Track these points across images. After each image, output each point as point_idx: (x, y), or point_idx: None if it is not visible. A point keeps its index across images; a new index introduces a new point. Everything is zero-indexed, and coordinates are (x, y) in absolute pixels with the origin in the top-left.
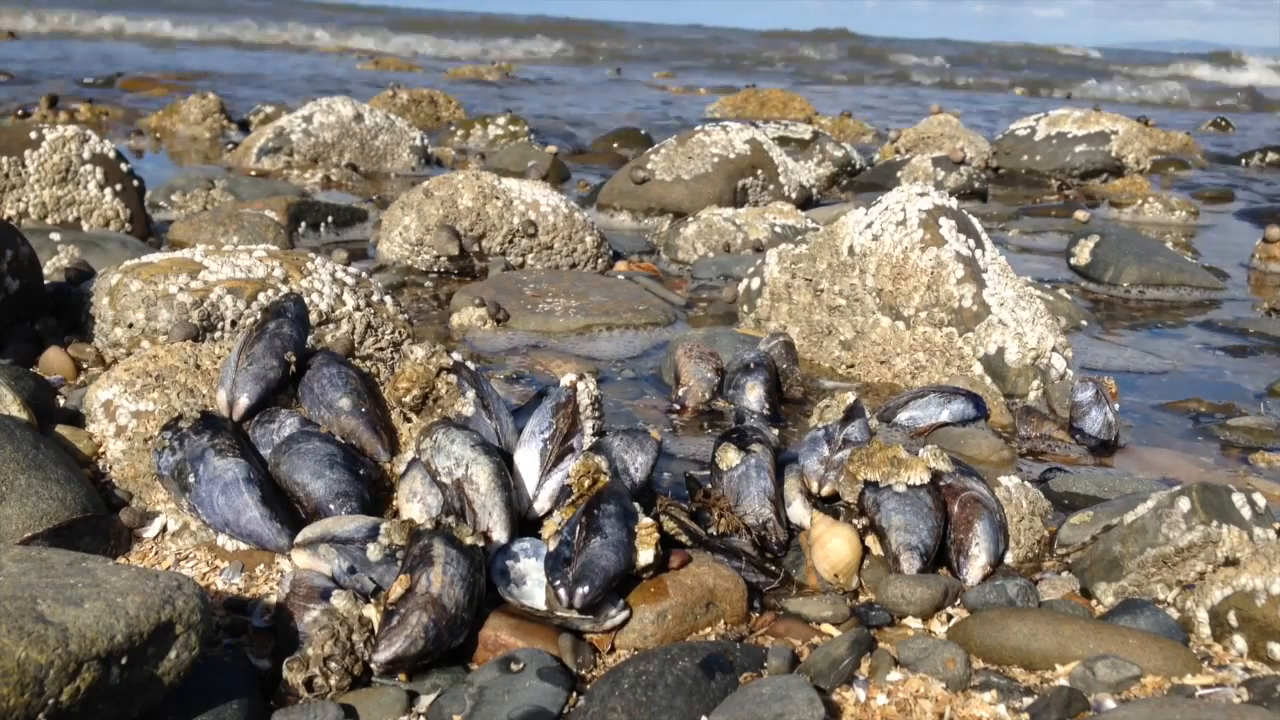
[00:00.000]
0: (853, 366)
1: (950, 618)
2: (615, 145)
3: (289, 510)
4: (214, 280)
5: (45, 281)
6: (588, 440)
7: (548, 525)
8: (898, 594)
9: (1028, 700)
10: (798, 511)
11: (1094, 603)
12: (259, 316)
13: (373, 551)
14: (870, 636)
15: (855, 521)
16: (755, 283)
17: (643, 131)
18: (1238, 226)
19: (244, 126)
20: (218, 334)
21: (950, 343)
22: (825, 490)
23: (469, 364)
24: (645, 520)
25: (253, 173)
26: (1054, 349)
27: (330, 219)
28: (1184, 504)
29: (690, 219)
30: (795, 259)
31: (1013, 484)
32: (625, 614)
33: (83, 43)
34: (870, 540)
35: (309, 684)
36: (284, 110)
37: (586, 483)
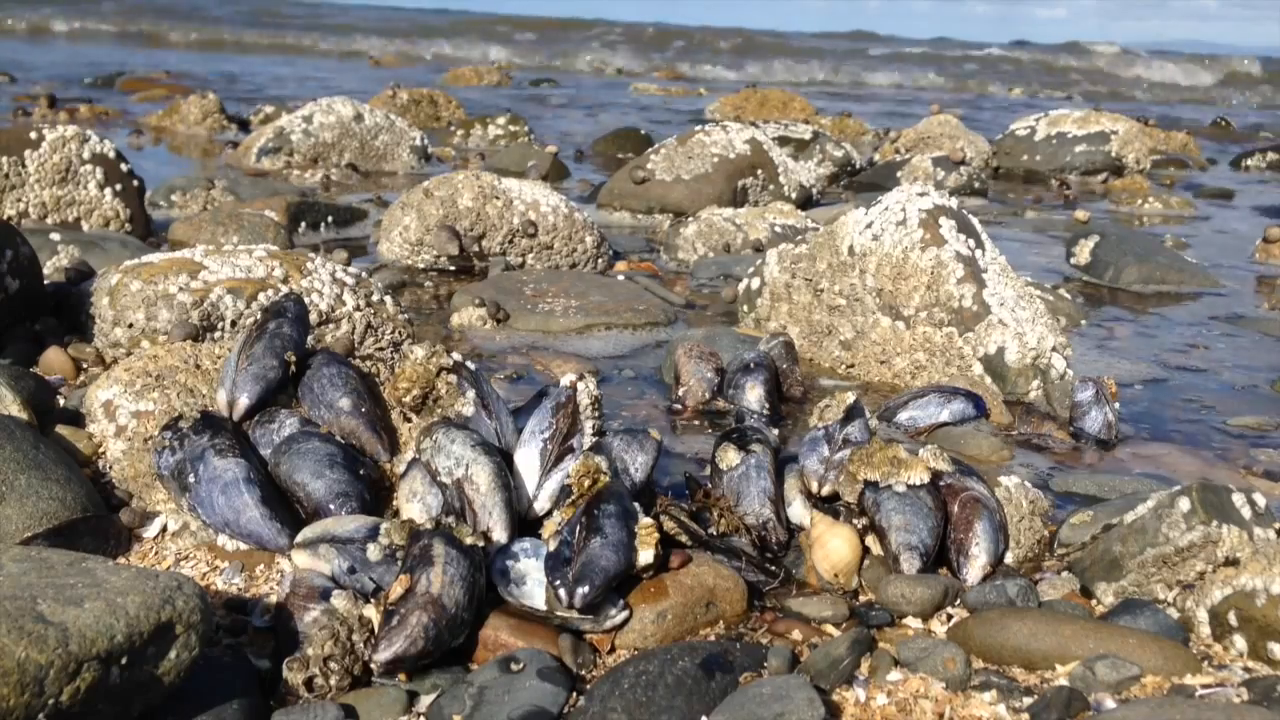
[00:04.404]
0: (853, 366)
1: (950, 618)
2: (615, 145)
3: (289, 510)
4: (214, 280)
5: (45, 281)
6: (588, 440)
7: (548, 525)
8: (898, 594)
9: (1028, 700)
10: (798, 511)
11: (1094, 603)
12: (259, 316)
13: (373, 551)
14: (870, 636)
15: (855, 521)
16: (755, 283)
17: (643, 131)
18: (1238, 226)
19: (244, 126)
20: (218, 334)
21: (950, 343)
22: (825, 490)
23: (469, 364)
24: (645, 520)
25: (254, 173)
26: (1054, 349)
27: (330, 219)
28: (1184, 504)
29: (690, 219)
30: (795, 259)
31: (1013, 484)
32: (625, 614)
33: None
34: (870, 540)
35: (309, 684)
36: (284, 110)
37: (586, 483)
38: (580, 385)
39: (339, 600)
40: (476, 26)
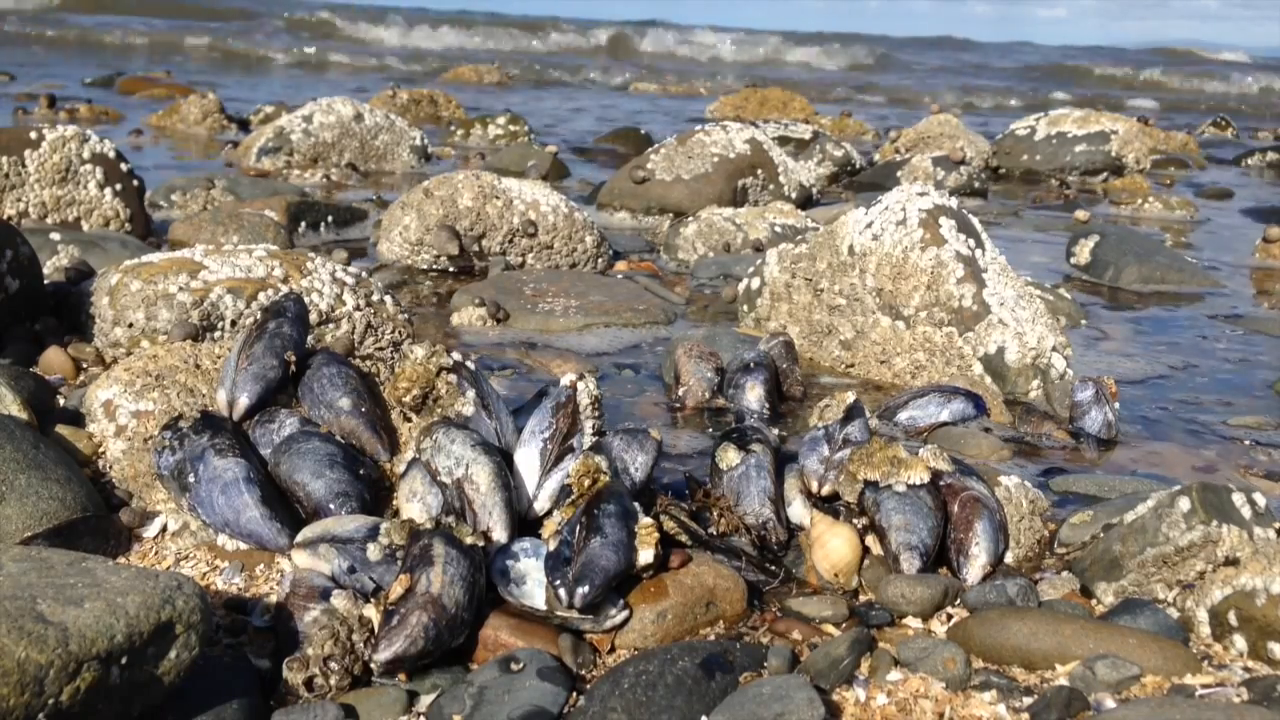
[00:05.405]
0: (853, 366)
1: (950, 617)
2: (615, 145)
3: (289, 510)
4: (214, 280)
5: (45, 281)
6: (588, 440)
7: (548, 525)
8: (898, 594)
9: (1028, 700)
10: (798, 511)
11: (1094, 602)
12: (259, 316)
13: (373, 551)
14: (870, 636)
15: (855, 521)
16: (755, 282)
17: (643, 131)
18: (1238, 226)
19: (244, 126)
20: (218, 334)
21: (950, 342)
22: (825, 490)
23: (469, 364)
24: (645, 520)
25: (254, 173)
26: (1054, 348)
27: (330, 219)
28: (1184, 503)
29: (690, 219)
30: (795, 259)
31: (1013, 484)
32: (625, 614)
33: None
34: (870, 540)
35: (309, 684)
36: (284, 110)
37: (586, 482)
38: (580, 385)
39: (339, 600)
40: (478, 25)
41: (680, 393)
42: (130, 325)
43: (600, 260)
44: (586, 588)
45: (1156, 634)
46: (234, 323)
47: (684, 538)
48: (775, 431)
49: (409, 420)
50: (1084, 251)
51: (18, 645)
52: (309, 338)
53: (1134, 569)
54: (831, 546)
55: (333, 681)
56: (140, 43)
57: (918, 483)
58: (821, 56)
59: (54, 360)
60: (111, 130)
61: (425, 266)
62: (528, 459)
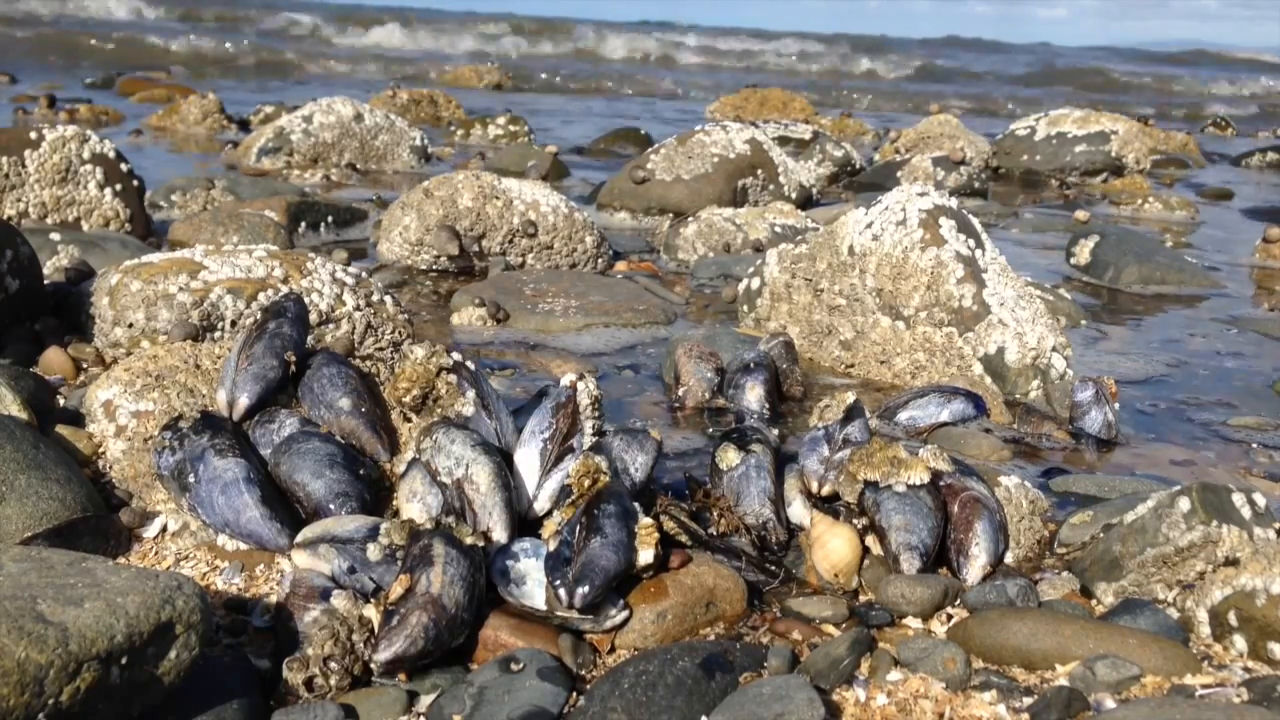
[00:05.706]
0: (853, 366)
1: (950, 618)
2: (615, 145)
3: (289, 510)
4: (214, 280)
5: (45, 281)
6: (588, 440)
7: (548, 525)
8: (898, 594)
9: (1028, 700)
10: (798, 511)
11: (1094, 602)
12: (259, 316)
13: (373, 551)
14: (870, 636)
15: (855, 521)
16: (755, 283)
17: (643, 131)
18: (1238, 226)
19: (244, 126)
20: (218, 334)
21: (950, 343)
22: (825, 490)
23: (469, 364)
24: (645, 520)
25: (254, 173)
26: (1054, 349)
27: (330, 219)
28: (1184, 504)
29: (690, 219)
30: (795, 259)
31: (1013, 484)
32: (625, 614)
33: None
34: (870, 540)
35: (309, 684)
36: (284, 110)
37: (586, 483)
38: (580, 385)
39: (339, 600)
40: (481, 25)
41: (680, 393)
42: (130, 325)
43: (600, 260)
44: (586, 588)
45: (1156, 634)
46: (234, 323)
47: (684, 538)
48: (775, 431)
49: (409, 420)
50: (1084, 252)
51: (18, 645)
52: (309, 338)
53: (1134, 569)
54: (831, 546)
55: (333, 681)
56: (140, 43)
57: (918, 483)
58: (840, 58)
59: (54, 360)
60: (112, 131)
61: (425, 266)
62: (528, 459)
